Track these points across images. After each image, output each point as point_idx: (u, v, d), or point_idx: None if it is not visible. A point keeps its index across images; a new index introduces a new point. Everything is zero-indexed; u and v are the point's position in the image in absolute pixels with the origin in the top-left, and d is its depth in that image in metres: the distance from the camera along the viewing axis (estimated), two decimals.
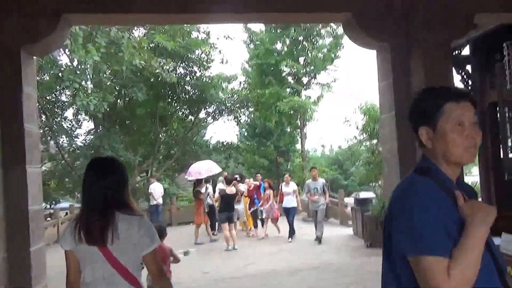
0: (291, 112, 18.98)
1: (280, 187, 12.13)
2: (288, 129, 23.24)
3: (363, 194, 10.99)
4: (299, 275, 6.29)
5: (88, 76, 13.90)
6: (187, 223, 16.73)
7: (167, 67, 14.31)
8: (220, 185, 12.03)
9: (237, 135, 25.13)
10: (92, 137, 16.78)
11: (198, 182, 12.88)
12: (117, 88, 15.97)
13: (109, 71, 14.15)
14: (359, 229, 10.59)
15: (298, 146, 22.72)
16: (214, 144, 21.95)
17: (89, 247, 2.15)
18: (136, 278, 2.22)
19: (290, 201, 11.41)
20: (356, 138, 9.14)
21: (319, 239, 10.28)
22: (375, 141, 8.80)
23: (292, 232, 11.19)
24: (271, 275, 6.40)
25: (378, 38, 4.51)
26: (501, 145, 6.35)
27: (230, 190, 10.91)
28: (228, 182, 11.13)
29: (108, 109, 16.80)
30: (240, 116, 21.64)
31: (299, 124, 20.42)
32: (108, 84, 14.18)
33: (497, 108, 6.40)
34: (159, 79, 15.49)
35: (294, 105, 17.92)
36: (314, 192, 10.64)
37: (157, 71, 13.70)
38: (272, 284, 5.90)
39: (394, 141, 4.49)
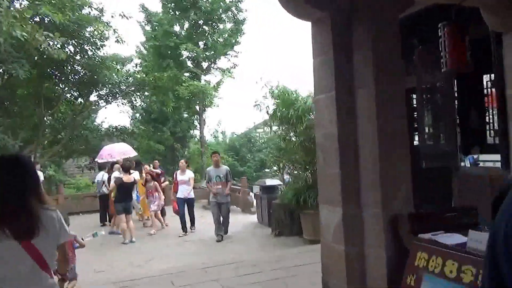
0: (190, 97, 17.89)
1: (174, 175, 10.69)
2: (186, 115, 22.16)
3: (270, 181, 10.41)
4: (211, 273, 5.42)
5: None
6: (77, 214, 14.97)
7: (55, 43, 12.25)
8: (116, 173, 10.65)
9: (131, 120, 23.34)
10: None
11: (111, 167, 11.56)
12: None
13: None
14: (265, 217, 10.03)
15: (197, 132, 21.71)
16: (106, 129, 20.00)
17: (8, 243, 2.11)
18: (51, 268, 2.32)
19: (185, 191, 10.04)
20: (266, 124, 8.40)
21: (219, 240, 8.87)
22: (285, 127, 8.17)
23: (185, 224, 9.94)
24: (179, 276, 5.44)
25: (317, 6, 3.76)
26: (416, 132, 6.09)
27: (128, 178, 9.65)
28: (126, 169, 9.84)
29: None
30: (135, 100, 19.97)
31: (198, 109, 19.37)
32: None
33: (413, 95, 6.11)
34: (45, 56, 13.36)
35: (194, 89, 16.87)
36: (216, 181, 9.12)
37: (43, 46, 11.64)
38: (182, 287, 4.97)
39: (333, 126, 3.80)
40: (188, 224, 10.15)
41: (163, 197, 10.89)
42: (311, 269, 5.12)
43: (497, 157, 5.78)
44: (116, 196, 9.59)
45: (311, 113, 7.38)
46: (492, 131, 6.70)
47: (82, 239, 4.73)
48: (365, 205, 3.69)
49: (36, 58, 14.31)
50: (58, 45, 12.63)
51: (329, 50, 3.81)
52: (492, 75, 6.23)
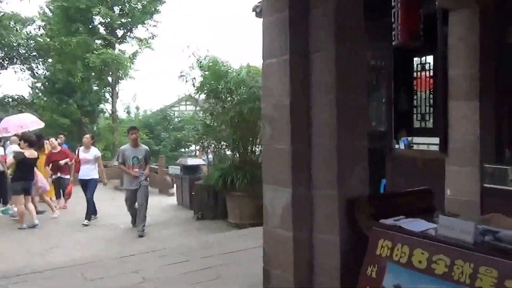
0: (102, 67, 16.46)
1: (77, 152, 9.33)
2: (96, 87, 20.55)
3: (192, 161, 9.77)
4: (130, 263, 4.77)
5: None
6: None
7: None
8: (14, 147, 9.33)
9: (31, 89, 21.14)
10: None
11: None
12: None
13: None
14: (186, 199, 9.43)
15: (108, 106, 20.23)
16: (4, 98, 17.89)
17: None
18: None
19: (88, 171, 8.68)
20: (191, 97, 7.77)
21: (141, 235, 7.25)
22: (213, 101, 7.58)
23: (92, 212, 8.71)
24: (90, 267, 4.72)
25: None
26: None
27: (31, 153, 8.48)
28: (29, 143, 8.63)
29: None
30: (37, 67, 18.06)
31: (110, 81, 17.93)
32: None
33: None
34: None
35: (107, 58, 15.47)
36: (133, 163, 7.51)
37: None
38: (94, 280, 4.27)
39: (285, 95, 3.34)
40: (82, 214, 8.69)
41: (44, 180, 9.47)
42: (245, 257, 4.68)
43: (432, 140, 5.74)
44: (15, 173, 8.34)
45: (243, 87, 6.87)
46: (419, 115, 6.72)
47: None
48: (317, 186, 3.29)
49: None
50: None
51: (283, 6, 3.31)
52: (423, 58, 6.20)
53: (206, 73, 7.38)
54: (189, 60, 7.72)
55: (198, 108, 8.25)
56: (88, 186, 8.68)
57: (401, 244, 2.74)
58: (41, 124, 11.35)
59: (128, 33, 17.63)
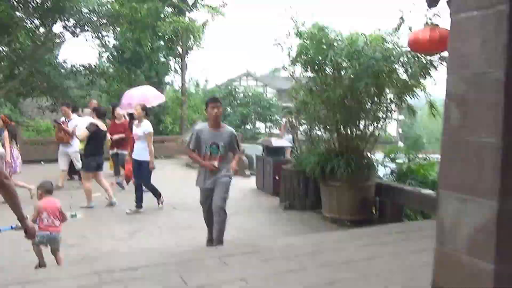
0: (172, 36, 15.87)
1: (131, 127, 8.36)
2: (163, 58, 20.15)
3: (277, 142, 8.92)
4: (232, 266, 4.01)
5: None
6: (37, 162, 13.18)
7: None
8: (87, 118, 8.90)
9: (99, 58, 21.13)
10: None
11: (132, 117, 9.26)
12: None
13: None
14: (268, 184, 8.62)
15: (176, 78, 19.80)
16: (72, 66, 17.83)
17: None
18: None
19: (140, 150, 7.41)
20: (285, 68, 6.85)
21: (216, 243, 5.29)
22: (313, 75, 6.61)
23: (156, 196, 7.70)
24: (188, 267, 4.00)
25: None
26: None
27: (103, 125, 7.99)
28: (101, 114, 8.13)
29: None
30: (107, 36, 17.80)
31: (180, 52, 17.35)
32: None
33: None
34: None
35: (178, 27, 14.81)
36: (211, 152, 5.35)
37: None
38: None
39: (494, 64, 2.31)
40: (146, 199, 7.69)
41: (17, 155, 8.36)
42: (386, 268, 3.78)
43: None
44: (88, 148, 7.84)
45: (358, 59, 5.82)
46: None
47: None
48: None
49: None
50: None
51: None
52: None
53: (306, 42, 6.39)
54: (282, 27, 6.70)
55: (293, 82, 7.26)
56: (139, 169, 7.50)
57: None
58: (163, 98, 10.90)
59: (199, 0, 16.92)
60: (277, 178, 8.24)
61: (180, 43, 16.68)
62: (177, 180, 10.44)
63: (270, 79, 51.33)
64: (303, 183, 7.24)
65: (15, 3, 15.01)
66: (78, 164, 9.14)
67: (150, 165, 7.38)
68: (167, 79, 20.95)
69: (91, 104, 10.56)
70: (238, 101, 23.99)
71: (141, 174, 7.47)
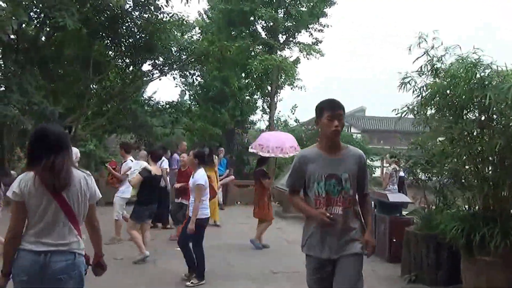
0: (261, 75, 15.40)
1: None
2: (248, 96, 19.79)
3: (394, 197, 7.74)
4: None
5: None
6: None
7: None
8: (141, 162, 8.07)
9: (179, 96, 21.27)
10: None
11: (261, 161, 8.71)
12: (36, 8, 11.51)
13: None
14: (381, 247, 7.38)
15: (259, 117, 19.30)
16: (160, 104, 17.91)
17: (44, 195, 2.56)
18: (79, 224, 2.72)
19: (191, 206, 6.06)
20: (413, 110, 5.81)
21: None
22: (450, 118, 5.47)
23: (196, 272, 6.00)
24: None
25: None
26: None
27: (157, 170, 7.30)
28: (157, 158, 7.46)
29: (26, 43, 12.42)
30: (194, 73, 17.73)
31: (269, 90, 16.81)
32: None
33: None
34: (100, 2, 11.26)
35: (269, 65, 14.27)
36: (331, 192, 3.24)
37: None
38: None
39: None
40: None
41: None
42: None
43: None
44: (140, 195, 7.10)
45: None
46: None
47: None
48: None
49: (88, 5, 12.28)
50: None
51: None
52: None
53: (446, 80, 5.31)
54: (416, 58, 5.68)
55: (422, 127, 6.16)
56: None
57: None
58: (298, 150, 8.77)
59: (291, 39, 16.43)
60: (394, 240, 7.04)
61: (270, 82, 16.15)
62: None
63: (354, 119, 49.81)
64: (434, 251, 6.00)
65: (109, 42, 15.35)
66: (115, 214, 8.28)
67: (189, 226, 5.84)
68: (251, 118, 20.52)
69: (182, 146, 10.07)
70: None
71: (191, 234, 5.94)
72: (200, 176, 6.06)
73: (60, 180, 2.54)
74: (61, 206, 2.57)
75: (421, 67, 5.72)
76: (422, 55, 5.67)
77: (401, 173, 10.68)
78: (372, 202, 7.92)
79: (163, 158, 9.22)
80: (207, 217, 6.16)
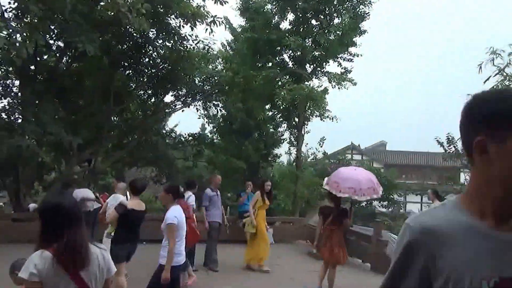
0: (290, 105, 14.65)
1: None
2: (274, 129, 19.07)
3: None
4: None
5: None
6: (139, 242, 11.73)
7: (137, 8, 9.35)
8: (117, 196, 7.26)
9: (200, 128, 20.66)
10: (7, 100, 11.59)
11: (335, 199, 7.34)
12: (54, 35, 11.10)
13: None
14: None
15: (286, 149, 18.50)
16: (182, 136, 17.28)
17: (61, 276, 2.41)
18: None
19: (162, 250, 5.21)
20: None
21: None
22: None
23: None
24: None
25: None
26: None
27: (139, 204, 6.23)
28: (137, 191, 6.26)
29: (46, 73, 12.05)
30: (218, 104, 17.11)
31: (296, 121, 16.01)
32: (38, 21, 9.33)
33: None
34: (120, 27, 10.80)
35: (299, 95, 13.50)
36: None
37: (122, 10, 8.89)
38: None
39: None
40: None
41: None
42: None
43: None
44: (116, 232, 6.19)
45: None
46: None
47: None
48: None
49: (110, 33, 11.85)
50: (141, 12, 9.62)
51: None
52: None
53: None
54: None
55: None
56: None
57: None
58: (378, 194, 7.49)
59: (318, 68, 15.73)
60: None
61: (297, 113, 15.36)
62: (301, 277, 8.49)
63: (375, 154, 48.62)
64: None
65: (130, 72, 14.92)
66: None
67: (163, 275, 4.91)
68: (275, 151, 19.74)
69: (216, 180, 9.17)
70: None
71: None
72: (172, 213, 5.11)
73: (80, 260, 2.45)
74: (80, 287, 2.46)
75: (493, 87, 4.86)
76: (495, 74, 4.80)
77: None
78: None
79: (190, 193, 8.42)
80: (179, 265, 5.21)
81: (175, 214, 5.08)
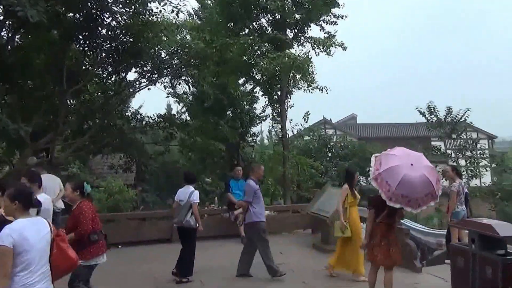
0: (272, 76, 13.10)
1: None
2: (247, 106, 17.55)
3: (503, 229, 5.29)
4: None
5: None
6: (114, 245, 9.86)
7: None
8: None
9: (167, 108, 18.89)
10: None
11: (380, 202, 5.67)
12: None
13: None
14: None
15: (269, 127, 17.03)
16: (151, 118, 15.49)
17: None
18: None
19: None
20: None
21: None
22: None
23: None
24: None
25: None
26: None
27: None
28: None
29: None
30: (188, 80, 15.39)
31: (278, 95, 14.48)
32: None
33: None
34: None
35: (281, 63, 11.96)
36: None
37: None
38: None
39: None
40: None
41: None
42: None
43: None
44: None
45: None
46: None
47: None
48: None
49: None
50: None
51: None
52: None
53: None
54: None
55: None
56: None
57: None
58: (436, 198, 5.66)
59: (300, 34, 14.17)
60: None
61: (278, 86, 13.83)
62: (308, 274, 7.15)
63: (347, 127, 48.08)
64: None
65: (86, 46, 12.96)
66: None
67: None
68: (253, 129, 18.21)
69: (260, 171, 7.37)
70: (333, 153, 20.73)
71: None
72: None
73: None
74: None
75: None
76: None
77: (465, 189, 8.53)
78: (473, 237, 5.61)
79: (191, 188, 6.94)
80: None
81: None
